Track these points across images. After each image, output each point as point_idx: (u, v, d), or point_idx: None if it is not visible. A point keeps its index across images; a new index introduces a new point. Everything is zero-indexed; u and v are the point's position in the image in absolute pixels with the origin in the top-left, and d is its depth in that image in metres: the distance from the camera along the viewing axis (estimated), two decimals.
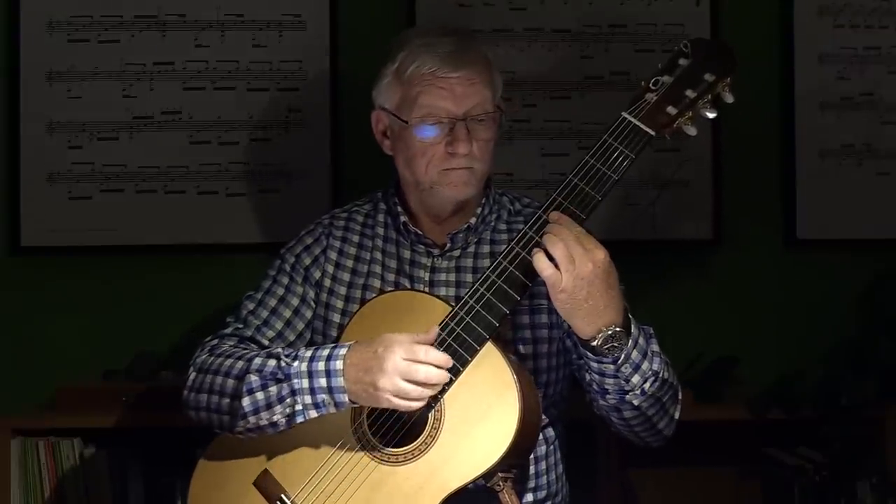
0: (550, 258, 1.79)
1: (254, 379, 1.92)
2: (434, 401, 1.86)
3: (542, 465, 2.09)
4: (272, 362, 1.92)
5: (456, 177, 2.01)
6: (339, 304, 2.11)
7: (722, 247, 2.98)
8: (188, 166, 2.90)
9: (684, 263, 2.97)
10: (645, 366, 1.87)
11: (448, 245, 2.10)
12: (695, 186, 2.96)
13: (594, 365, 1.87)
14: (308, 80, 2.91)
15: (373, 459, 1.90)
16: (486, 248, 2.11)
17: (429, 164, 2.02)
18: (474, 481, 1.83)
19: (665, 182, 2.95)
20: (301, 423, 1.90)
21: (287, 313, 2.12)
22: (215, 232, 2.90)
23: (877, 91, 2.99)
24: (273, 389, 1.90)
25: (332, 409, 1.88)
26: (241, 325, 2.12)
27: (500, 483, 1.84)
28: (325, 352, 1.89)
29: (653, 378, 1.88)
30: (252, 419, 1.92)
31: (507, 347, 1.95)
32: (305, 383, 1.88)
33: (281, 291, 2.14)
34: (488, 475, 1.83)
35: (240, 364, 1.96)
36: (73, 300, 2.89)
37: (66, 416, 2.70)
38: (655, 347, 1.92)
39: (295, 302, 2.13)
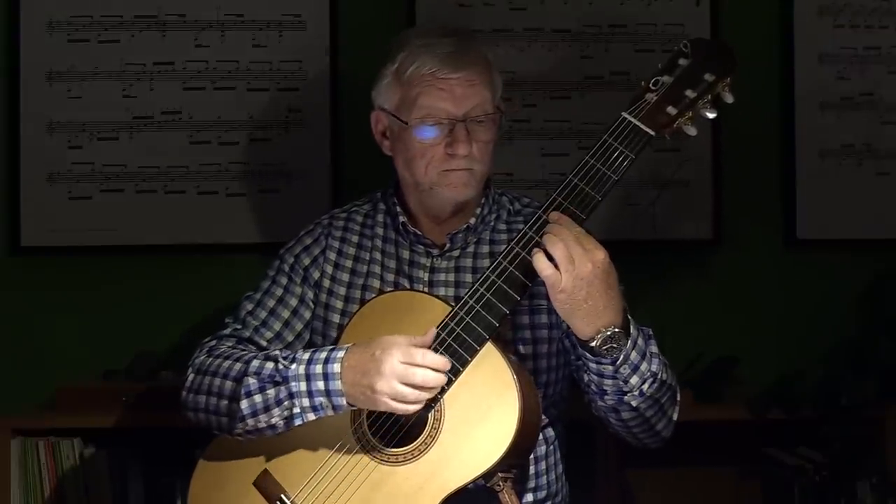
0: (550, 258, 1.79)
1: (252, 382, 1.92)
2: (434, 401, 1.86)
3: (542, 466, 2.09)
4: (270, 365, 1.92)
5: (455, 178, 2.01)
6: (339, 304, 2.11)
7: (722, 247, 2.98)
8: (188, 166, 2.90)
9: (684, 263, 2.97)
10: (643, 367, 1.87)
11: (447, 245, 2.10)
12: (695, 186, 2.96)
13: (593, 366, 1.87)
14: (308, 80, 2.91)
15: (372, 459, 1.90)
16: (485, 249, 2.11)
17: (428, 165, 2.01)
18: (474, 481, 1.83)
19: (665, 182, 2.95)
20: (299, 425, 1.90)
21: (285, 314, 2.12)
22: (215, 232, 2.90)
23: (877, 91, 2.99)
24: (271, 392, 1.90)
25: (330, 412, 1.88)
26: (239, 326, 2.12)
27: (500, 483, 1.84)
28: (323, 355, 1.89)
29: (651, 379, 1.88)
30: (251, 421, 1.92)
31: (507, 348, 1.95)
32: (303, 386, 1.88)
33: (279, 292, 2.14)
34: (488, 475, 1.83)
35: (238, 366, 1.96)
36: (73, 300, 2.89)
37: (66, 416, 2.70)
38: (654, 349, 1.92)
39: (293, 303, 2.13)
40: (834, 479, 2.71)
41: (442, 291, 2.06)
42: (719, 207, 2.96)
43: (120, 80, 2.88)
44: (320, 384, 1.87)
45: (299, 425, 1.90)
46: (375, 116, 2.11)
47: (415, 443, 1.87)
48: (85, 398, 2.72)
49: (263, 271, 2.18)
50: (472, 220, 2.10)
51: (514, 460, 1.86)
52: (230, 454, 2.01)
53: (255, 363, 1.94)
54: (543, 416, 2.01)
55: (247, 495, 1.96)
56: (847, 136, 2.99)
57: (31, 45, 2.86)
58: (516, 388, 1.82)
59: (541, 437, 2.04)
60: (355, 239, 2.16)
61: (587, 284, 1.78)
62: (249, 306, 2.14)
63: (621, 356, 1.84)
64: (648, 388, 1.88)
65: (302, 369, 1.88)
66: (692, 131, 1.87)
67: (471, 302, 1.86)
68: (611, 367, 1.85)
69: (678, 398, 2.01)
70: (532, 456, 2.03)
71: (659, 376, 1.89)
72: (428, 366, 1.82)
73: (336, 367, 1.86)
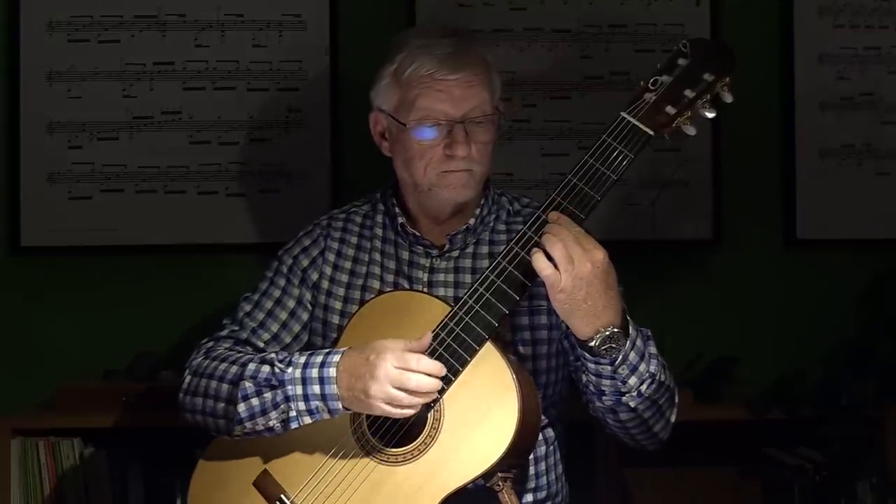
0: (549, 258, 1.79)
1: (248, 385, 1.92)
2: (433, 401, 1.86)
3: (542, 466, 2.09)
4: (266, 368, 1.92)
5: (454, 179, 2.01)
6: (338, 305, 2.11)
7: (722, 247, 2.98)
8: (188, 166, 2.90)
9: (684, 263, 2.97)
10: (642, 367, 1.87)
11: (447, 246, 2.10)
12: (695, 186, 2.96)
13: (591, 366, 1.87)
14: (308, 80, 2.91)
15: (372, 460, 1.90)
16: (484, 249, 2.11)
17: (427, 166, 2.01)
18: (474, 481, 1.83)
19: (665, 182, 2.94)
20: (296, 428, 1.90)
21: (283, 316, 2.12)
22: (215, 232, 2.90)
23: (877, 91, 2.99)
24: (268, 396, 1.90)
25: (326, 416, 1.88)
26: (236, 328, 2.12)
27: (500, 483, 1.84)
28: (319, 358, 1.89)
29: (650, 380, 1.88)
30: (248, 424, 1.92)
31: (507, 348, 1.95)
32: (299, 390, 1.88)
33: (277, 294, 2.14)
34: (488, 475, 1.83)
35: (234, 369, 1.96)
36: (74, 300, 2.89)
37: (66, 416, 2.70)
38: (653, 349, 1.91)
39: (291, 304, 2.13)
40: (834, 479, 2.71)
41: (441, 292, 2.06)
42: (719, 207, 2.96)
43: (120, 80, 2.88)
44: (316, 388, 1.87)
45: (296, 428, 1.90)
46: (374, 117, 2.11)
47: (414, 443, 1.87)
48: (85, 398, 2.72)
49: (262, 272, 2.18)
50: (472, 221, 2.10)
51: (514, 460, 1.86)
52: (230, 454, 2.01)
53: (252, 366, 1.94)
54: (543, 417, 2.01)
55: (247, 495, 1.96)
56: (847, 136, 2.99)
57: (31, 45, 2.86)
58: (516, 388, 1.82)
59: (540, 437, 2.04)
60: (354, 240, 2.16)
61: (586, 284, 1.78)
62: (247, 308, 2.14)
63: (620, 356, 1.84)
64: (647, 389, 1.88)
65: (298, 373, 1.88)
66: (691, 131, 1.87)
67: (470, 302, 1.86)
68: (609, 368, 1.85)
69: (676, 400, 2.00)
70: (532, 456, 2.03)
71: (657, 377, 1.89)
72: (422, 371, 1.82)
73: (332, 371, 1.86)
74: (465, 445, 1.84)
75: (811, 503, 2.71)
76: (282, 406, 1.89)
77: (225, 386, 1.96)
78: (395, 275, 2.11)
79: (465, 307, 1.86)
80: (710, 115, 1.87)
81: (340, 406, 1.87)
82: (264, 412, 1.91)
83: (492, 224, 2.13)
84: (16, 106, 2.87)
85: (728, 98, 1.87)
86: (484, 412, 1.84)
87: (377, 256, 2.13)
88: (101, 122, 2.88)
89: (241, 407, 1.92)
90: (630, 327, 1.86)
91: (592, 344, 1.83)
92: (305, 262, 2.14)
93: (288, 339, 2.12)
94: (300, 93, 2.91)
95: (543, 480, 2.09)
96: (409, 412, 1.84)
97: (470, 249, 2.11)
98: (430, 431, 1.86)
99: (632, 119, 1.85)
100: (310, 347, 2.11)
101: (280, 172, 2.91)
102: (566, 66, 2.94)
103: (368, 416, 1.91)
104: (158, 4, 2.89)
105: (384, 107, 2.07)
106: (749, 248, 2.99)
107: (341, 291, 2.12)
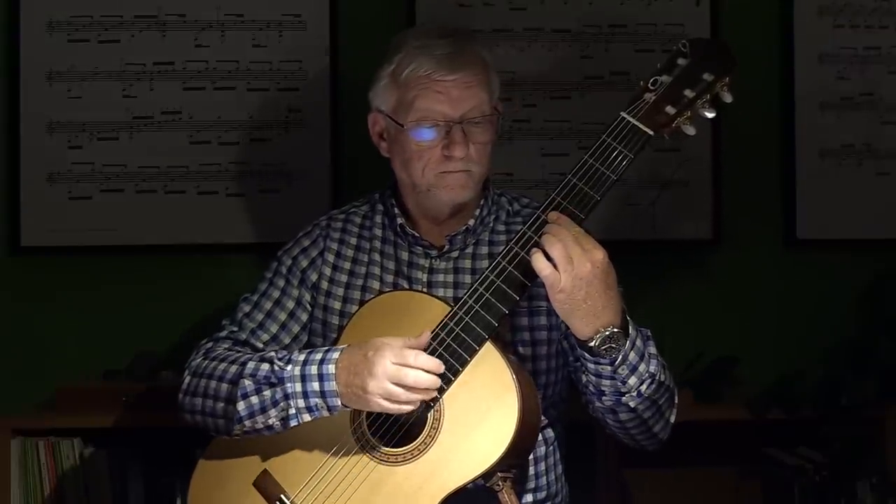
0: (549, 258, 1.79)
1: (248, 383, 1.92)
2: (433, 401, 1.86)
3: (542, 466, 2.09)
4: (265, 366, 1.92)
5: (453, 180, 2.01)
6: (337, 305, 2.11)
7: (722, 247, 2.98)
8: (188, 166, 2.90)
9: (684, 263, 2.97)
10: (642, 367, 1.87)
11: (446, 247, 2.10)
12: (695, 186, 2.96)
13: (591, 366, 1.87)
14: (308, 80, 2.91)
15: (372, 459, 1.90)
16: (484, 250, 2.10)
17: (425, 167, 2.01)
18: (474, 481, 1.83)
19: (665, 182, 2.94)
20: (295, 426, 1.90)
21: (282, 316, 2.12)
22: (215, 232, 2.90)
23: (877, 91, 2.99)
24: (267, 393, 1.90)
25: (326, 413, 1.89)
26: (235, 328, 2.12)
27: (500, 483, 1.84)
28: (318, 356, 1.89)
29: (649, 380, 1.88)
30: (247, 423, 1.92)
31: (507, 348, 1.95)
32: (298, 387, 1.88)
33: (276, 294, 2.14)
34: (487, 475, 1.83)
35: (234, 368, 1.96)
36: (73, 300, 2.89)
37: (66, 416, 2.70)
38: (653, 350, 1.91)
39: (290, 305, 2.13)
40: (834, 479, 2.71)
41: (440, 293, 2.05)
42: (719, 207, 2.96)
43: (120, 80, 2.88)
44: (315, 385, 1.87)
45: (295, 426, 1.91)
46: (372, 118, 2.11)
47: (414, 443, 1.87)
48: (85, 398, 2.72)
49: (262, 272, 2.18)
50: (471, 222, 2.10)
51: (514, 460, 1.86)
52: (230, 454, 2.01)
53: (251, 365, 1.94)
54: (543, 417, 2.01)
55: (247, 495, 1.96)
56: (847, 136, 2.99)
57: (31, 45, 2.86)
58: (516, 388, 1.82)
59: (540, 437, 2.04)
60: (353, 240, 2.16)
61: (586, 284, 1.78)
62: (246, 308, 2.14)
63: (620, 356, 1.84)
64: (646, 389, 1.88)
65: (297, 370, 1.89)
66: (691, 131, 1.87)
67: (470, 302, 1.86)
68: (609, 368, 1.85)
69: (676, 400, 2.00)
70: (532, 456, 2.04)
71: (657, 377, 1.89)
72: (420, 367, 1.82)
73: (331, 368, 1.86)
74: (464, 445, 1.84)
75: (811, 503, 2.71)
76: (281, 404, 1.89)
77: (224, 385, 1.96)
78: (394, 275, 2.11)
79: (465, 307, 1.86)
80: (710, 115, 1.86)
81: (339, 403, 1.87)
82: (264, 410, 1.91)
83: (491, 224, 2.13)
84: (16, 106, 2.87)
85: (728, 98, 1.87)
86: (484, 412, 1.84)
87: (376, 257, 2.13)
88: (101, 122, 2.88)
89: (241, 405, 1.92)
90: (630, 327, 1.86)
91: (592, 344, 1.83)
92: (304, 263, 2.14)
93: (287, 340, 2.12)
94: (300, 93, 2.91)
95: (543, 481, 2.09)
96: (408, 408, 1.84)
97: (469, 250, 2.11)
98: (429, 431, 1.86)
99: (631, 119, 1.85)
100: (310, 348, 2.10)
101: (280, 172, 2.91)
102: (566, 66, 2.94)
103: (368, 416, 1.92)
104: (158, 4, 2.89)
105: (382, 107, 2.06)
106: (749, 248, 2.99)
107: (340, 292, 2.12)
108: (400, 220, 2.11)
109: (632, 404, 1.89)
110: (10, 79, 2.87)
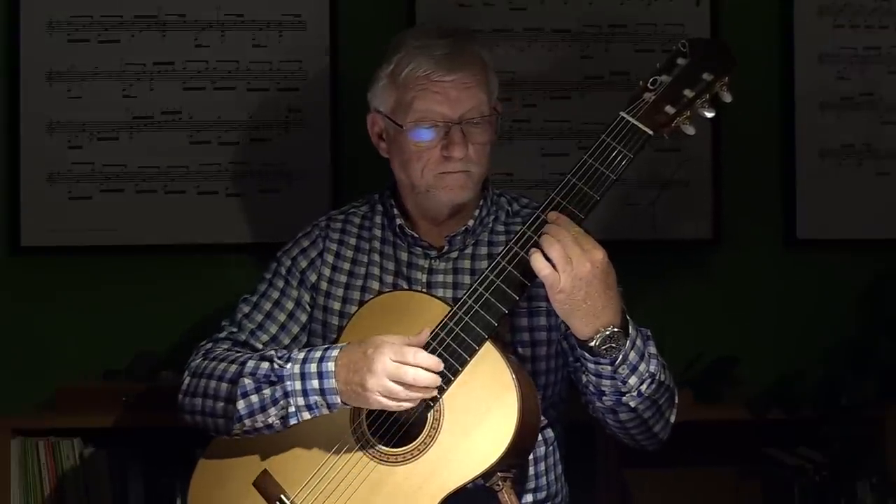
0: (548, 258, 1.79)
1: (247, 382, 1.92)
2: (433, 401, 1.86)
3: (542, 466, 2.09)
4: (265, 365, 1.92)
5: (452, 180, 2.01)
6: (336, 305, 2.11)
7: (722, 247, 2.98)
8: (188, 166, 2.90)
9: (684, 263, 2.97)
10: (642, 367, 1.87)
11: (446, 247, 2.10)
12: (695, 186, 2.96)
13: (591, 366, 1.87)
14: (308, 80, 2.91)
15: (372, 459, 1.90)
16: (483, 250, 2.10)
17: (424, 167, 2.01)
18: (473, 481, 1.83)
19: (665, 182, 2.94)
20: (295, 424, 1.90)
21: (282, 317, 2.12)
22: (215, 232, 2.90)
23: (877, 91, 2.99)
24: (267, 392, 1.90)
25: (325, 411, 1.88)
26: (235, 329, 2.12)
27: (500, 483, 1.84)
28: (318, 354, 1.89)
29: (650, 380, 1.88)
30: (247, 422, 1.92)
31: (507, 349, 1.95)
32: (298, 385, 1.88)
33: (276, 295, 2.14)
34: (487, 475, 1.83)
35: (233, 368, 1.96)
36: (73, 300, 2.89)
37: (66, 416, 2.70)
38: (653, 349, 1.91)
39: (290, 306, 2.13)
40: (834, 479, 2.71)
41: (440, 293, 2.05)
42: (719, 207, 2.96)
43: (120, 80, 2.88)
44: (315, 383, 1.87)
45: (295, 424, 1.90)
46: (371, 118, 2.11)
47: (414, 443, 1.87)
48: (85, 398, 2.72)
49: (261, 273, 2.18)
50: (471, 223, 2.10)
51: (514, 460, 1.86)
52: (230, 454, 2.01)
53: (251, 364, 1.94)
54: (543, 417, 2.01)
55: (247, 495, 1.96)
56: (847, 136, 2.99)
57: (31, 45, 2.86)
58: (515, 388, 1.82)
59: (540, 437, 2.04)
60: (353, 241, 2.16)
61: (586, 284, 1.78)
62: (246, 309, 2.14)
63: (620, 356, 1.84)
64: (647, 388, 1.88)
65: (297, 368, 1.89)
66: (691, 131, 1.87)
67: (469, 301, 1.86)
68: (609, 368, 1.85)
69: (676, 400, 2.00)
70: (532, 456, 2.04)
71: (657, 377, 1.89)
72: (420, 364, 1.82)
73: (330, 366, 1.86)
74: (464, 445, 1.84)
75: (811, 503, 2.71)
76: (281, 402, 1.89)
77: (224, 385, 1.96)
78: (393, 276, 2.11)
79: (465, 307, 1.86)
80: (710, 114, 1.86)
81: (339, 400, 1.87)
82: (263, 408, 1.91)
83: (491, 225, 2.13)
84: (16, 106, 2.87)
85: (727, 98, 1.87)
86: (483, 412, 1.84)
87: (376, 257, 2.13)
88: (101, 122, 2.88)
89: (241, 404, 1.92)
90: (630, 327, 1.86)
91: (592, 344, 1.83)
92: (304, 264, 2.14)
93: (286, 341, 2.12)
94: (300, 93, 2.91)
95: (543, 481, 2.09)
96: (407, 406, 1.84)
97: (469, 250, 2.11)
98: (429, 431, 1.86)
99: (631, 119, 1.85)
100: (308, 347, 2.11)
101: (280, 172, 2.91)
102: (566, 66, 2.94)
103: (368, 416, 1.92)
104: (158, 4, 2.89)
105: (381, 108, 2.06)
106: (749, 248, 2.99)
107: (340, 292, 2.12)
108: (399, 221, 2.11)
109: (632, 404, 1.89)
110: (10, 79, 2.87)
